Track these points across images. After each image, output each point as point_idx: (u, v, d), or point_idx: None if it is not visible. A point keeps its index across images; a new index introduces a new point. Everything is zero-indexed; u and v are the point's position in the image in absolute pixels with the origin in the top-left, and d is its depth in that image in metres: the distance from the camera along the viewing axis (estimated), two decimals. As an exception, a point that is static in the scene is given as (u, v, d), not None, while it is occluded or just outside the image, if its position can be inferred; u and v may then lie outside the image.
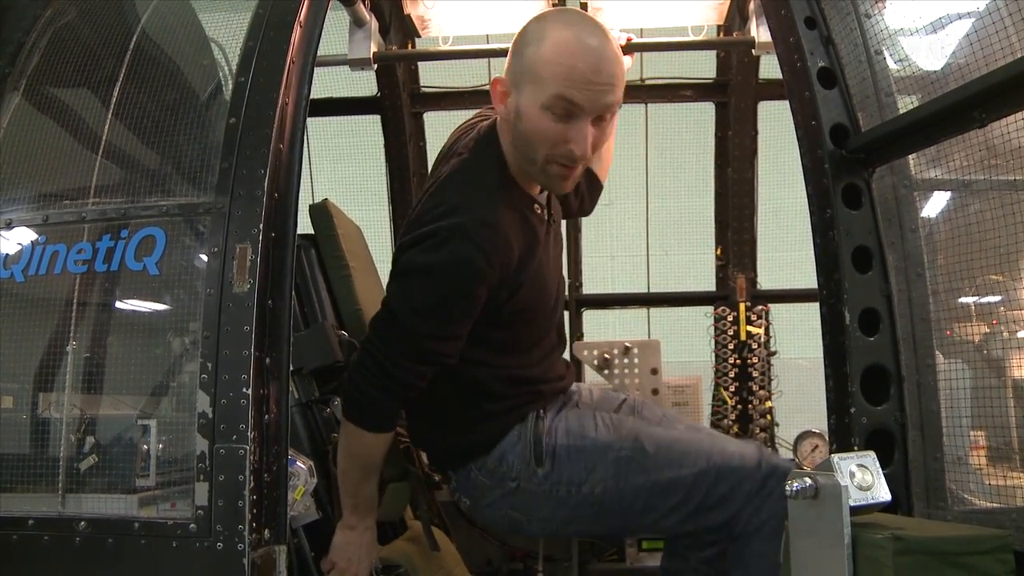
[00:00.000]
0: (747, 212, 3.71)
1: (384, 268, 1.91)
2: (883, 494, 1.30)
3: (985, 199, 1.70)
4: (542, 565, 2.72)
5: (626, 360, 3.18)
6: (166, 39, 2.11)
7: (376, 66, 2.90)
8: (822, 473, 1.31)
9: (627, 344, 3.18)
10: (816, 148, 1.87)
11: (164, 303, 1.88)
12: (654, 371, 3.17)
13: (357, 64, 2.86)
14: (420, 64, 3.72)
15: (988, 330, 1.79)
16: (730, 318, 3.58)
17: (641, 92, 3.68)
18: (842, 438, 1.75)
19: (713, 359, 3.60)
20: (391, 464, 2.02)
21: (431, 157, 3.62)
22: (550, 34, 1.64)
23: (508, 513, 1.87)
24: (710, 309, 3.64)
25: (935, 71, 1.81)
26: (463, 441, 1.85)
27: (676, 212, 4.39)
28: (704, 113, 3.77)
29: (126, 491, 1.74)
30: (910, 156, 1.84)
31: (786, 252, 4.10)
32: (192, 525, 1.60)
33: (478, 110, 2.07)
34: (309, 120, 1.88)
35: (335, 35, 2.79)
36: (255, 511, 1.59)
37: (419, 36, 3.23)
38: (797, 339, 3.56)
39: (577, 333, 3.78)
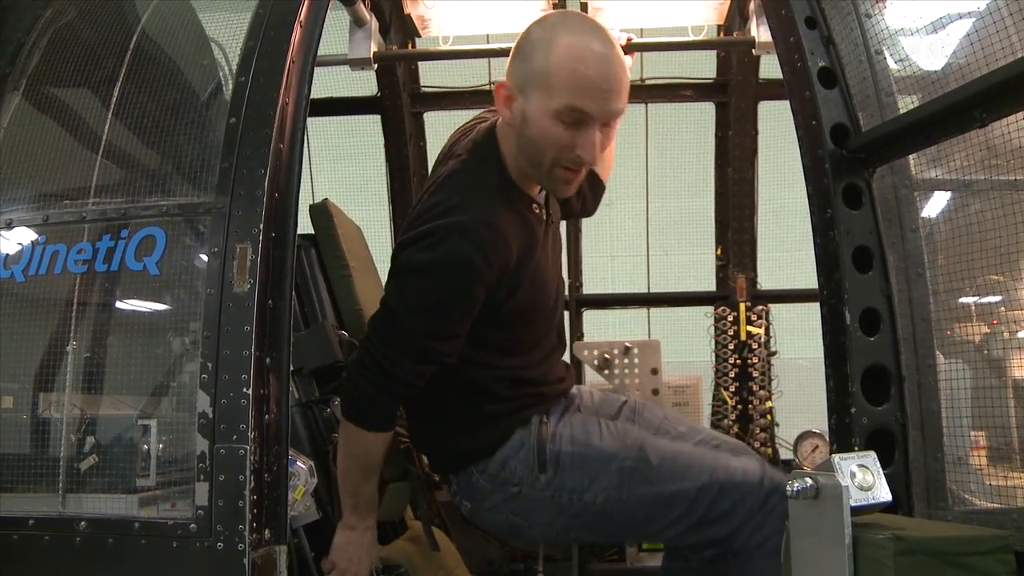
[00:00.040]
0: (747, 212, 3.71)
1: (384, 268, 1.91)
2: (884, 494, 1.30)
3: (986, 199, 1.70)
4: (542, 565, 2.73)
5: (626, 360, 3.18)
6: (166, 39, 2.11)
7: (376, 66, 2.90)
8: (823, 473, 1.31)
9: (627, 344, 3.19)
10: (816, 148, 1.87)
11: (164, 303, 1.88)
12: (654, 371, 3.18)
13: (357, 64, 2.86)
14: (420, 64, 3.71)
15: (989, 330, 1.79)
16: (730, 318, 3.58)
17: (641, 92, 3.68)
18: (843, 438, 1.75)
19: (713, 359, 3.59)
20: (391, 464, 2.02)
21: (431, 157, 3.62)
22: (558, 41, 1.64)
23: (509, 518, 1.87)
24: (710, 309, 3.64)
25: (935, 71, 1.81)
26: (465, 445, 1.85)
27: (676, 212, 4.39)
28: (704, 113, 3.77)
29: (126, 491, 1.75)
30: (911, 156, 1.84)
31: (786, 252, 4.10)
32: (192, 525, 1.60)
33: (477, 113, 2.07)
34: (309, 120, 1.88)
35: (335, 35, 2.79)
36: (255, 511, 1.59)
37: (419, 36, 3.24)
38: (797, 339, 3.56)
39: (577, 333, 3.78)
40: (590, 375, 3.45)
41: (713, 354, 3.60)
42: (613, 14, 2.88)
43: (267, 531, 1.63)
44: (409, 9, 2.99)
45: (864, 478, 1.30)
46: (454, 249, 1.63)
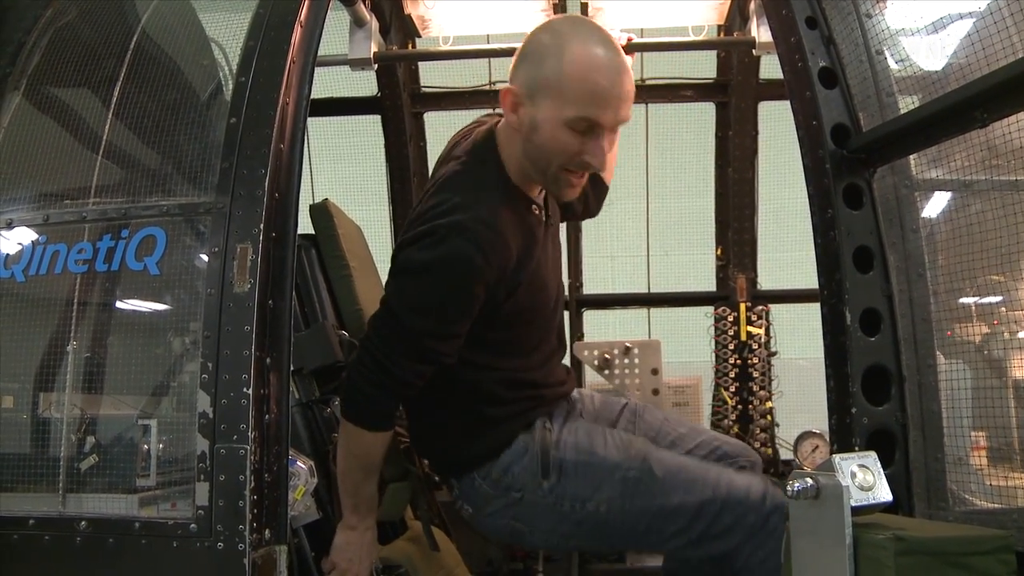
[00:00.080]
0: (747, 212, 3.71)
1: (384, 268, 1.91)
2: (884, 494, 1.30)
3: (986, 199, 1.70)
4: (542, 565, 2.73)
5: (626, 360, 3.19)
6: (166, 39, 2.11)
7: (376, 66, 2.90)
8: (823, 473, 1.31)
9: (627, 344, 3.19)
10: (817, 148, 1.87)
11: (165, 303, 1.88)
12: (654, 371, 3.18)
13: (357, 64, 2.86)
14: (420, 64, 3.71)
15: (989, 330, 1.79)
16: (730, 318, 3.58)
17: (642, 92, 3.67)
18: (843, 438, 1.75)
19: (713, 359, 3.59)
20: (391, 464, 2.02)
21: (431, 157, 3.64)
22: (570, 49, 1.64)
23: (511, 523, 1.87)
24: (710, 309, 3.64)
25: (936, 71, 1.81)
26: (467, 449, 1.85)
27: (676, 212, 4.39)
28: (704, 113, 3.77)
29: (127, 491, 1.75)
30: (911, 156, 1.83)
31: (786, 252, 4.10)
32: (193, 525, 1.60)
33: (476, 117, 2.08)
34: (309, 120, 1.88)
35: (335, 35, 2.79)
36: (256, 511, 1.59)
37: (419, 36, 3.24)
38: (797, 339, 3.57)
39: (577, 333, 3.78)
40: (590, 375, 3.46)
41: (713, 354, 3.59)
42: (613, 14, 2.88)
43: (267, 531, 1.62)
44: (409, 9, 2.99)
45: (865, 478, 1.29)
46: (454, 248, 1.64)
